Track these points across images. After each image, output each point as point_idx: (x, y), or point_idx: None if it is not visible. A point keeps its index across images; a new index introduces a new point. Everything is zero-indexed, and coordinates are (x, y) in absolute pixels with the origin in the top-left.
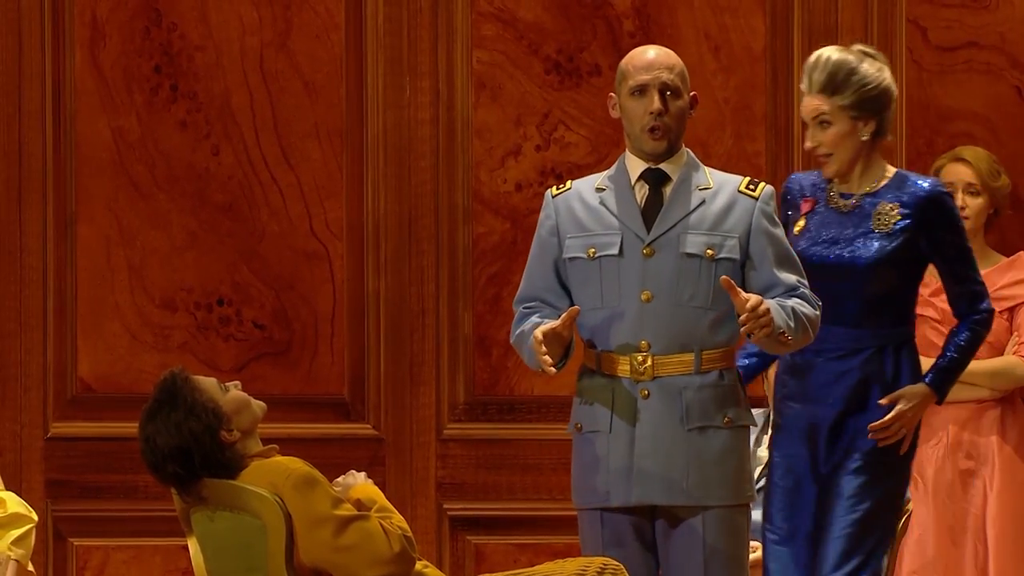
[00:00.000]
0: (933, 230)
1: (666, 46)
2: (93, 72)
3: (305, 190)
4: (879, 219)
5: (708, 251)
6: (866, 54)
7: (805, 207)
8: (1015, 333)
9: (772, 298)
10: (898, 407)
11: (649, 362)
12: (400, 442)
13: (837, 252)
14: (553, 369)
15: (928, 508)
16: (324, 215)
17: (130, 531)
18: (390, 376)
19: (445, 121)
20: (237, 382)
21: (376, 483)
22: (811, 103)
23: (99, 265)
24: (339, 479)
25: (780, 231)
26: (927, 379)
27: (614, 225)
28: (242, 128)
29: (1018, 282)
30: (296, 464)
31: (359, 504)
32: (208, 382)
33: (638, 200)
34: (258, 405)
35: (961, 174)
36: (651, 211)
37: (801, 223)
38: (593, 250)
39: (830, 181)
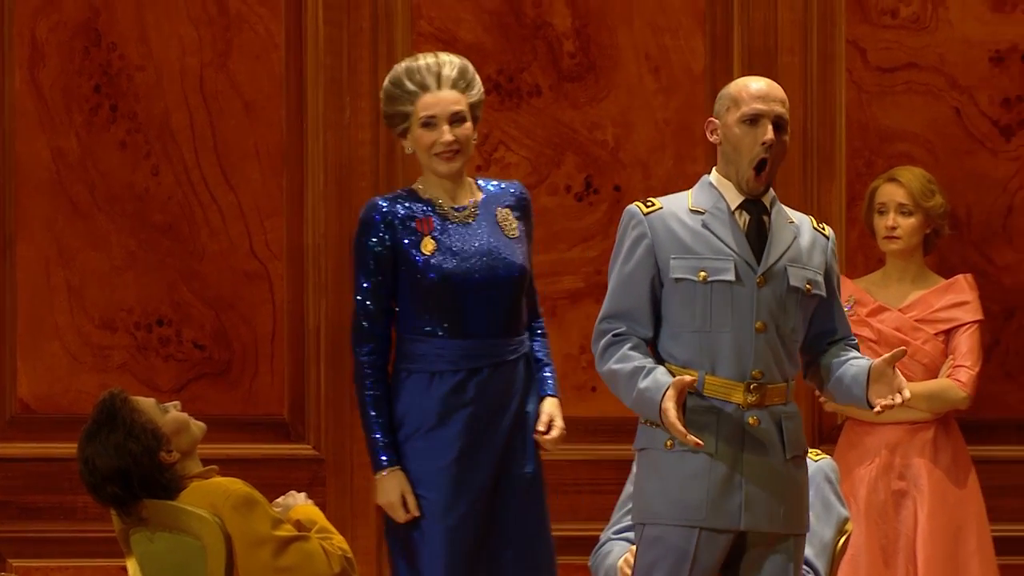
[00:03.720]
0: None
1: (606, 67)
2: (32, 92)
3: (245, 210)
4: (506, 225)
5: (807, 286)
6: None
7: (425, 226)
8: (950, 356)
9: (828, 343)
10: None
11: (760, 391)
12: (340, 463)
13: (485, 262)
14: (702, 443)
15: (861, 529)
16: (264, 235)
17: (69, 552)
18: (330, 396)
19: (385, 142)
20: (177, 403)
21: (316, 504)
22: None
23: (38, 285)
24: (279, 500)
25: None
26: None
27: (724, 251)
28: (182, 148)
29: (955, 305)
30: (236, 485)
31: (299, 525)
32: (147, 403)
33: (742, 228)
34: (197, 426)
35: (894, 194)
36: (755, 241)
37: (431, 243)
38: (704, 273)
39: (427, 197)
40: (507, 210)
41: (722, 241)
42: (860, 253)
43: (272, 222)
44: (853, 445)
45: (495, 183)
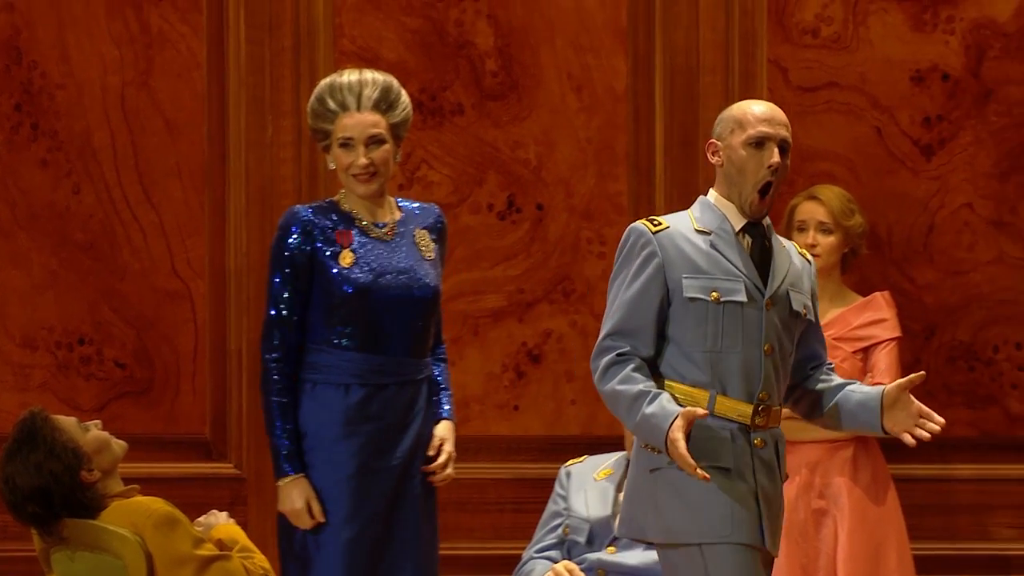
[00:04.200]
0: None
1: (528, 85)
2: None
3: (167, 229)
4: (423, 246)
5: (803, 310)
6: None
7: (345, 239)
8: (869, 374)
9: (812, 368)
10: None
11: (767, 412)
12: (262, 481)
13: (401, 280)
14: (708, 475)
15: (781, 547)
16: (186, 254)
17: None
18: (252, 415)
19: (307, 161)
20: (98, 421)
21: (238, 523)
22: None
23: None
24: (201, 519)
25: None
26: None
27: (734, 272)
28: (103, 166)
29: (873, 323)
30: (157, 504)
31: (221, 544)
32: (68, 422)
33: (747, 251)
34: (119, 444)
35: (814, 212)
36: (759, 264)
37: (350, 256)
38: (717, 294)
39: (349, 211)
40: (425, 232)
41: (730, 262)
42: None
43: (194, 241)
44: None
45: (415, 204)
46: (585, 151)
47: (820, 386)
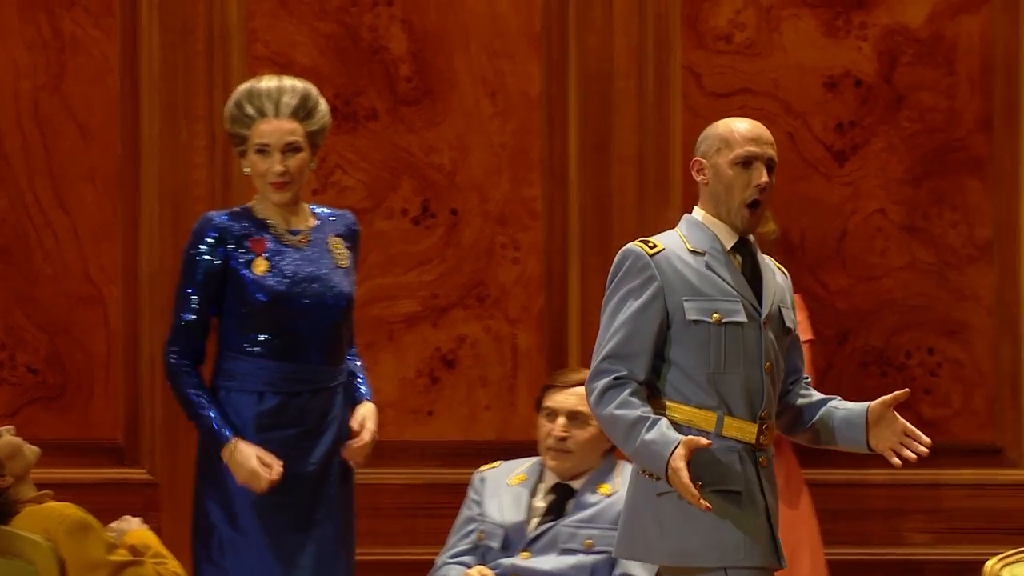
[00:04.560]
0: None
1: (443, 91)
2: None
3: (80, 234)
4: (337, 253)
5: (793, 326)
6: None
7: (259, 247)
8: None
9: (792, 382)
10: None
11: (770, 431)
12: (175, 487)
13: (315, 287)
14: (710, 505)
15: None
16: (99, 259)
17: None
18: (165, 420)
19: (221, 165)
20: (11, 427)
21: (151, 528)
22: None
23: None
24: (114, 524)
25: None
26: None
27: (730, 292)
28: (16, 171)
29: None
30: (70, 510)
31: (134, 550)
32: None
33: (739, 270)
34: (31, 450)
35: None
36: (752, 283)
37: (263, 263)
38: (718, 315)
39: (263, 218)
40: (339, 239)
41: (727, 283)
42: None
43: (107, 246)
44: None
45: (329, 211)
46: (499, 156)
47: (800, 401)
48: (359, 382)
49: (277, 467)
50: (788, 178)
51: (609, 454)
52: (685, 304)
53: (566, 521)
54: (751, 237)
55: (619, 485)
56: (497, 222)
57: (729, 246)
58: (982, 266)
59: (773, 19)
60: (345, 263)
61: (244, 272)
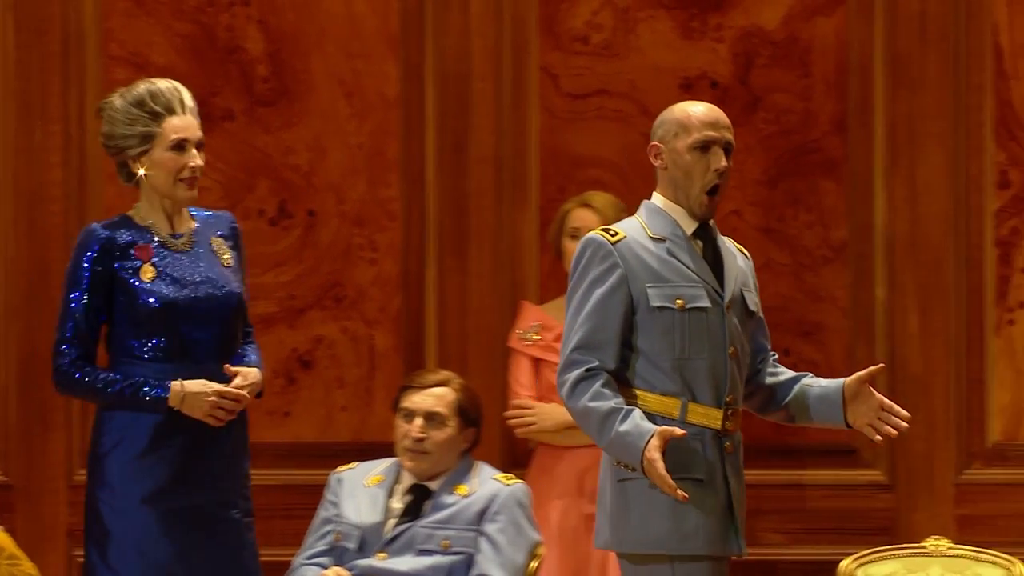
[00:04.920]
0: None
1: (299, 91)
2: None
3: None
4: (221, 254)
5: (756, 309)
6: None
7: (144, 254)
8: None
9: (760, 361)
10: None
11: (735, 416)
12: (29, 489)
13: (205, 289)
14: (687, 495)
15: (553, 553)
16: None
17: None
18: (20, 422)
19: (76, 166)
20: None
21: (5, 530)
22: None
23: None
24: None
25: None
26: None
27: (692, 278)
28: None
29: None
30: None
31: None
32: None
33: (700, 255)
34: None
35: (587, 219)
36: (713, 268)
37: (151, 270)
38: (681, 301)
39: (144, 224)
40: (220, 239)
41: (689, 268)
42: (552, 279)
43: None
44: (545, 470)
45: (207, 212)
46: (356, 157)
47: (771, 380)
48: (248, 350)
49: (225, 388)
50: (645, 179)
51: (466, 455)
52: (648, 291)
53: (423, 522)
54: (711, 221)
55: (476, 486)
56: (354, 223)
57: (690, 232)
58: (837, 267)
59: (630, 20)
60: (230, 262)
61: (132, 280)
